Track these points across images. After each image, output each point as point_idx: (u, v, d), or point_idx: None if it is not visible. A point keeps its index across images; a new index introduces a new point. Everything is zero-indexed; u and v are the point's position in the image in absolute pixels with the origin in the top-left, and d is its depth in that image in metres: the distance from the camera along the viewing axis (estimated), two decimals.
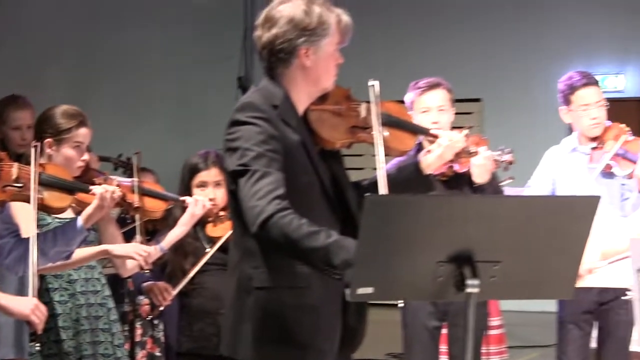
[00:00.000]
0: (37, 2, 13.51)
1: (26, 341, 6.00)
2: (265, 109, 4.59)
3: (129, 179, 5.85)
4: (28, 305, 4.83)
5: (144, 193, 5.82)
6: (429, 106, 6.86)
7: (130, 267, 6.05)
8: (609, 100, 7.60)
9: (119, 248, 5.73)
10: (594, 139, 7.44)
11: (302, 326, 4.59)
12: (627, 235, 4.96)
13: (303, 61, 4.70)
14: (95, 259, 5.75)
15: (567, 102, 7.47)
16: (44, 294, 5.75)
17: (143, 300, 8.18)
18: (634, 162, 7.14)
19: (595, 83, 7.54)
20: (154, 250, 6.07)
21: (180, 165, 6.52)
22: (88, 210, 5.34)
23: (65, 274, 5.86)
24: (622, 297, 6.91)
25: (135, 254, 5.68)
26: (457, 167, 6.57)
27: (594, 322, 7.47)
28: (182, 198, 6.17)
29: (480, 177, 6.51)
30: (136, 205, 5.77)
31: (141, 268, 5.84)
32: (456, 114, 7.07)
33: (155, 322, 8.55)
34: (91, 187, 5.46)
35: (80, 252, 5.64)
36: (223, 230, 6.04)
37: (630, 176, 7.22)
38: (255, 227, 4.35)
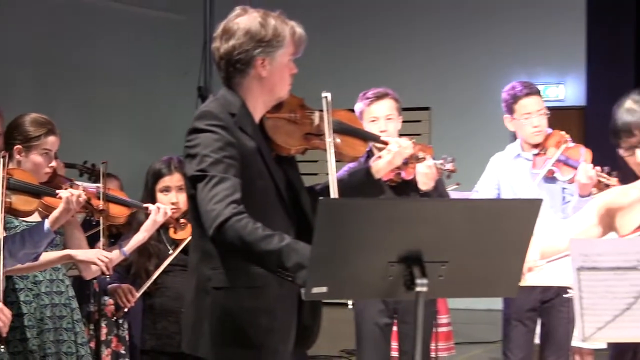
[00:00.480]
0: (7, 15, 13.47)
1: None
2: (223, 117, 4.61)
3: (94, 185, 5.84)
4: None
5: (109, 200, 5.82)
6: (377, 115, 6.90)
7: (93, 271, 6.04)
8: (550, 109, 7.68)
9: (81, 253, 5.72)
10: (536, 146, 7.51)
11: (257, 327, 4.60)
12: (566, 236, 4.99)
13: (259, 71, 4.72)
14: (59, 263, 5.75)
15: (510, 111, 7.53)
16: (10, 294, 5.74)
17: (108, 300, 8.17)
18: (575, 167, 7.20)
19: (537, 92, 7.61)
20: (117, 255, 6.08)
21: (144, 171, 6.51)
22: (55, 213, 5.34)
23: (31, 276, 5.85)
24: (564, 295, 6.98)
25: (97, 260, 5.69)
26: (403, 174, 6.62)
27: (537, 319, 7.51)
28: (145, 205, 6.16)
29: (424, 184, 6.58)
30: (101, 208, 5.77)
31: (102, 273, 5.82)
32: (406, 121, 7.12)
33: (120, 321, 8.54)
34: (57, 191, 5.46)
35: (45, 256, 5.64)
36: (185, 233, 6.05)
37: (571, 181, 7.29)
38: (212, 230, 4.37)
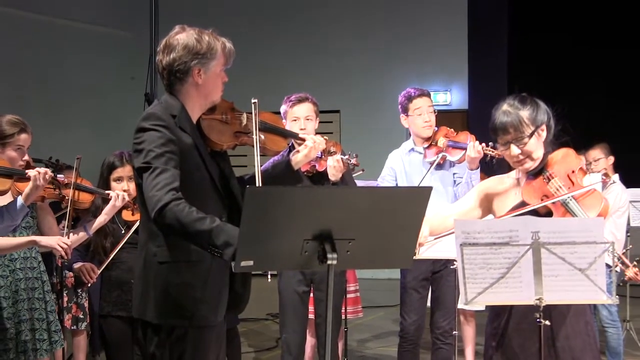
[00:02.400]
0: None
1: None
2: (165, 118, 4.61)
3: (62, 176, 5.81)
4: None
5: (79, 188, 5.78)
6: (298, 116, 6.91)
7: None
8: (439, 112, 7.76)
9: (45, 240, 5.67)
10: (426, 140, 7.58)
11: (192, 299, 4.62)
12: (452, 216, 5.02)
13: (196, 79, 4.73)
14: (25, 247, 5.70)
15: (405, 110, 7.59)
16: None
17: (68, 273, 8.12)
18: (463, 148, 7.32)
19: (428, 94, 7.69)
20: (82, 234, 6.05)
21: (99, 163, 6.49)
22: (26, 190, 5.36)
23: (7, 255, 5.81)
24: (450, 267, 7.03)
25: (57, 246, 5.64)
26: (317, 167, 6.65)
27: (429, 287, 7.54)
28: (106, 192, 6.13)
29: (333, 175, 6.61)
30: (72, 198, 5.76)
31: (61, 257, 5.78)
32: (321, 122, 7.12)
33: (79, 291, 8.49)
34: (27, 170, 5.45)
35: (12, 240, 5.60)
36: (136, 216, 6.01)
37: (461, 160, 7.43)
38: (154, 213, 4.39)
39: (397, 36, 16.68)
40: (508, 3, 16.67)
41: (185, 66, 4.71)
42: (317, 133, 6.52)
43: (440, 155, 7.45)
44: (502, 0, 16.60)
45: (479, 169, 7.17)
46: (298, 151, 5.22)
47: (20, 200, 5.34)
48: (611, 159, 9.40)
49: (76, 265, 6.47)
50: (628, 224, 9.48)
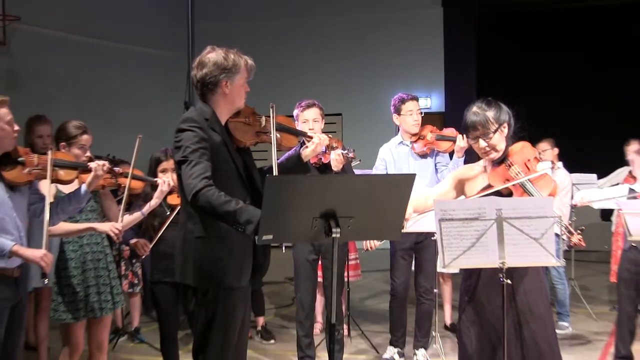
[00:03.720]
0: (55, 54, 13.36)
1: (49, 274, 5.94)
2: (199, 121, 4.65)
3: (119, 168, 5.81)
4: (39, 254, 4.80)
5: (133, 177, 5.80)
6: (307, 118, 6.90)
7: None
8: (422, 113, 7.75)
9: (100, 226, 5.68)
10: (414, 135, 7.63)
11: (219, 269, 4.66)
12: (432, 197, 5.03)
13: (224, 90, 4.76)
14: (85, 233, 5.71)
15: (398, 111, 7.65)
16: (63, 246, 5.71)
17: (125, 247, 8.16)
18: (450, 140, 7.50)
19: (417, 99, 7.77)
20: (138, 215, 6.07)
21: (147, 159, 6.50)
22: (88, 179, 5.36)
23: None
24: (431, 238, 7.03)
25: (111, 231, 5.65)
26: (323, 159, 6.66)
27: (413, 254, 7.55)
28: (155, 179, 6.15)
29: (336, 167, 6.60)
30: (128, 186, 5.78)
31: (114, 240, 5.81)
32: (326, 123, 7.13)
33: (133, 261, 8.52)
34: (89, 163, 5.46)
35: (75, 226, 5.64)
36: (178, 200, 6.02)
37: (446, 150, 7.58)
38: (190, 197, 4.45)
39: (388, 54, 16.64)
40: (475, 27, 16.67)
41: (215, 79, 4.74)
42: (323, 132, 6.57)
43: (428, 147, 7.60)
44: (470, 24, 16.57)
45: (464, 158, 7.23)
46: (307, 147, 5.25)
47: (84, 187, 5.35)
48: (556, 150, 9.51)
49: (132, 241, 6.49)
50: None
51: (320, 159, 6.67)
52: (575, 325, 9.05)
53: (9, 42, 12.20)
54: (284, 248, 4.69)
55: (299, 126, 6.80)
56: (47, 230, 4.96)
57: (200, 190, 4.43)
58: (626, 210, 6.65)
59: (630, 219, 6.59)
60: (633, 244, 6.96)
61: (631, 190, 7.24)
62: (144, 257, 6.56)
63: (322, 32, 17.09)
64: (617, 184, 8.77)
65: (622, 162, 9.15)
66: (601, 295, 10.82)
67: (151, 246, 6.46)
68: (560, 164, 9.41)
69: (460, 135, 7.29)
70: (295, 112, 7.03)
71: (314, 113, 6.97)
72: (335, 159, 6.58)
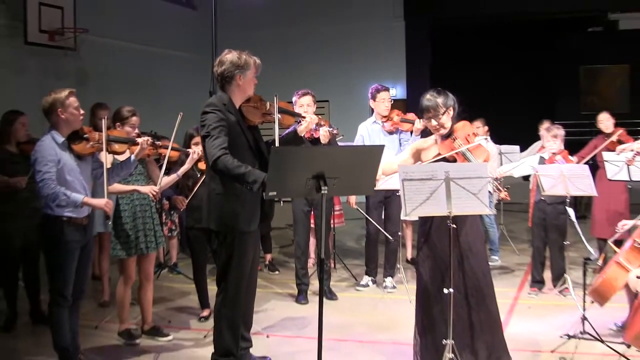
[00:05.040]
0: (113, 54, 13.38)
1: (107, 222, 5.94)
2: (219, 105, 4.68)
3: (160, 142, 5.76)
4: (103, 202, 4.86)
5: (172, 148, 5.75)
6: (303, 104, 6.87)
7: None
8: (391, 101, 7.76)
9: (142, 189, 5.66)
10: (384, 117, 7.60)
11: (234, 215, 4.71)
12: (396, 163, 5.01)
13: (238, 82, 4.79)
14: (133, 192, 5.68)
15: (373, 97, 7.65)
16: (118, 200, 5.69)
17: (165, 202, 8.12)
18: (410, 122, 7.50)
19: (388, 89, 7.79)
20: (174, 177, 6.03)
21: (183, 135, 6.49)
22: (136, 150, 5.35)
23: None
24: (396, 194, 7.01)
25: (150, 193, 5.64)
26: (314, 135, 6.62)
27: (383, 206, 7.54)
28: (187, 150, 6.11)
29: (324, 141, 6.56)
30: (173, 158, 5.82)
31: (153, 199, 5.79)
32: (317, 107, 7.13)
33: (172, 212, 8.49)
34: (137, 139, 5.44)
35: (125, 187, 5.64)
36: (205, 166, 5.99)
37: (407, 130, 7.55)
38: (211, 163, 4.52)
39: (364, 55, 16.50)
40: (429, 36, 16.60)
41: (231, 74, 4.77)
42: (315, 114, 6.57)
43: (395, 126, 7.58)
44: (425, 33, 16.48)
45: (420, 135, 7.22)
46: (301, 125, 5.24)
47: (132, 157, 5.34)
48: (486, 127, 9.54)
49: (173, 197, 6.59)
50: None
51: (312, 134, 6.63)
52: (503, 259, 9.08)
53: (79, 49, 12.22)
54: (282, 202, 4.70)
55: (297, 109, 6.74)
56: (107, 188, 4.98)
57: (219, 157, 4.47)
58: (541, 172, 6.69)
59: (544, 178, 6.63)
60: (542, 197, 7.01)
61: (541, 158, 7.27)
62: (181, 209, 6.56)
63: (315, 40, 16.96)
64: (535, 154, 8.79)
65: (537, 136, 9.15)
66: (522, 236, 10.83)
67: (187, 201, 6.46)
68: (489, 138, 9.48)
69: (418, 119, 7.23)
70: (293, 99, 7.00)
71: (307, 100, 6.93)
72: (324, 134, 6.55)
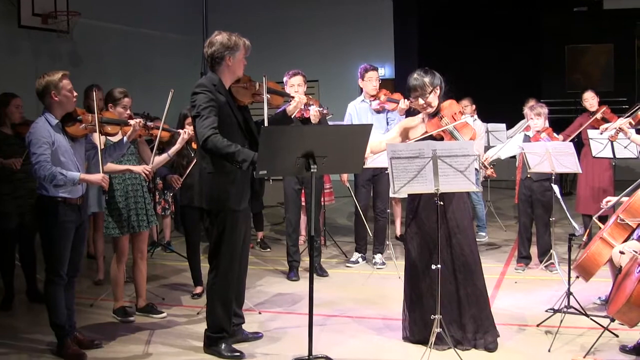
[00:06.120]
0: (107, 41, 13.29)
1: (102, 201, 5.93)
2: (209, 86, 4.66)
3: (152, 123, 5.73)
4: (100, 177, 4.84)
5: (163, 129, 5.71)
6: (293, 83, 6.82)
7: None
8: (380, 81, 7.75)
9: (135, 168, 5.62)
10: (372, 96, 7.56)
11: (225, 195, 4.70)
12: (384, 141, 5.00)
13: (227, 63, 4.76)
14: (125, 172, 5.66)
15: (362, 77, 7.59)
16: (111, 180, 5.64)
17: (159, 181, 8.10)
18: (395, 102, 7.41)
19: (376, 69, 7.70)
20: (165, 157, 5.99)
21: (177, 115, 6.45)
22: (129, 132, 5.31)
23: None
24: (385, 172, 7.01)
25: (143, 172, 5.61)
26: (305, 114, 6.61)
27: (371, 184, 7.54)
28: (178, 130, 6.07)
29: (314, 120, 6.57)
30: (159, 135, 5.72)
31: (145, 179, 5.76)
32: (308, 87, 7.11)
33: (165, 191, 8.47)
34: (129, 121, 5.42)
35: (118, 167, 5.60)
36: (197, 145, 5.96)
37: (393, 109, 7.48)
38: (201, 142, 4.51)
39: (353, 36, 16.41)
40: (417, 16, 16.55)
41: (221, 55, 4.74)
42: (305, 94, 6.61)
43: (382, 105, 7.52)
44: (413, 14, 16.44)
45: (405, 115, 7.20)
46: (290, 105, 5.22)
47: (125, 138, 5.30)
48: (474, 106, 9.55)
49: (168, 176, 6.54)
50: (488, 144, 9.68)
51: (303, 114, 6.62)
52: (490, 235, 9.10)
53: (72, 32, 12.18)
54: (271, 181, 4.70)
55: (287, 89, 6.70)
56: (102, 167, 4.98)
57: (208, 137, 4.46)
58: (526, 150, 6.71)
59: (530, 156, 6.65)
60: (528, 175, 7.01)
61: (526, 136, 7.28)
62: (176, 188, 6.54)
63: (305, 22, 16.85)
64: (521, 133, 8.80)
65: (523, 115, 9.15)
66: (509, 213, 10.86)
67: (182, 180, 6.44)
68: (476, 116, 9.48)
69: (403, 99, 7.27)
70: (284, 79, 6.95)
71: (298, 80, 6.89)
72: (314, 114, 6.56)
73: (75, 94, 4.95)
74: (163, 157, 6.01)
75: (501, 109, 11.35)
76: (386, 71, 16.43)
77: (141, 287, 6.00)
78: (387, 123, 7.53)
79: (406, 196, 5.05)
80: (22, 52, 11.54)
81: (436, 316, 4.55)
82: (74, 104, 4.97)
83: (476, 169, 4.78)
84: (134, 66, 14.04)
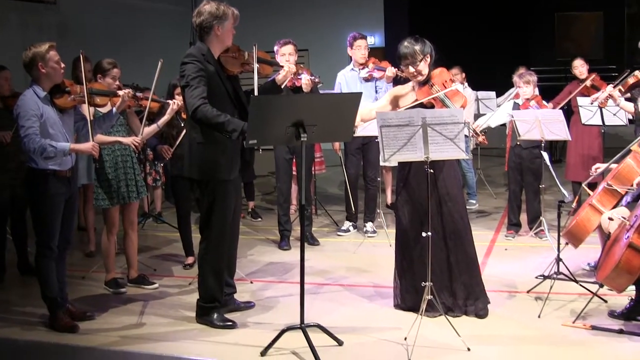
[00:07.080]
0: (94, 10, 13.15)
1: (92, 173, 5.90)
2: (198, 56, 4.61)
3: (140, 93, 5.67)
4: (90, 145, 4.80)
5: (152, 100, 5.65)
6: (284, 52, 6.77)
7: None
8: (369, 49, 7.69)
9: (124, 140, 5.57)
10: (361, 64, 7.53)
11: (215, 165, 4.68)
12: (374, 110, 4.97)
13: (216, 32, 4.70)
14: (114, 144, 5.60)
15: (351, 45, 7.56)
16: (101, 151, 5.58)
17: (149, 152, 8.05)
18: (383, 70, 7.40)
19: (365, 37, 7.66)
20: (154, 127, 5.94)
21: (166, 86, 6.38)
22: (118, 103, 5.25)
23: None
24: (375, 140, 6.99)
25: (132, 144, 5.57)
26: (296, 83, 6.58)
27: (362, 153, 7.52)
28: (167, 101, 6.01)
29: (306, 89, 6.55)
30: (149, 106, 5.66)
31: (134, 150, 5.72)
32: (299, 56, 7.07)
33: (155, 162, 8.42)
34: (118, 91, 5.35)
35: (108, 138, 5.53)
36: (186, 116, 5.92)
37: (381, 77, 7.44)
38: (191, 112, 4.47)
39: (343, 5, 16.35)
40: None
41: (209, 24, 4.68)
42: (296, 63, 6.56)
43: (369, 73, 7.49)
44: None
45: (392, 83, 7.17)
46: (279, 74, 5.15)
47: (114, 109, 5.25)
48: (464, 74, 9.57)
49: (158, 147, 6.49)
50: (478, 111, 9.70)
51: (294, 83, 6.58)
52: (480, 202, 9.12)
53: (59, 2, 12.07)
54: (261, 151, 4.66)
55: (278, 59, 6.67)
56: (92, 137, 4.91)
57: (198, 107, 4.42)
58: (516, 117, 6.69)
59: (520, 124, 6.63)
60: (517, 142, 7.00)
61: (515, 104, 7.27)
62: (167, 159, 6.49)
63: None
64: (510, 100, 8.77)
65: (512, 83, 9.13)
66: (499, 180, 10.89)
67: (172, 150, 6.40)
68: (466, 84, 9.48)
69: (390, 67, 7.28)
70: (275, 48, 6.90)
71: (289, 49, 6.84)
72: (306, 83, 6.55)
73: (63, 65, 4.89)
74: (152, 128, 5.96)
75: (491, 77, 11.33)
76: (376, 40, 16.37)
77: (132, 258, 5.98)
78: (376, 91, 7.50)
79: (396, 164, 5.04)
80: (9, 23, 11.41)
81: (427, 283, 4.55)
82: (62, 76, 4.91)
83: (466, 136, 4.78)
84: (123, 37, 13.91)
